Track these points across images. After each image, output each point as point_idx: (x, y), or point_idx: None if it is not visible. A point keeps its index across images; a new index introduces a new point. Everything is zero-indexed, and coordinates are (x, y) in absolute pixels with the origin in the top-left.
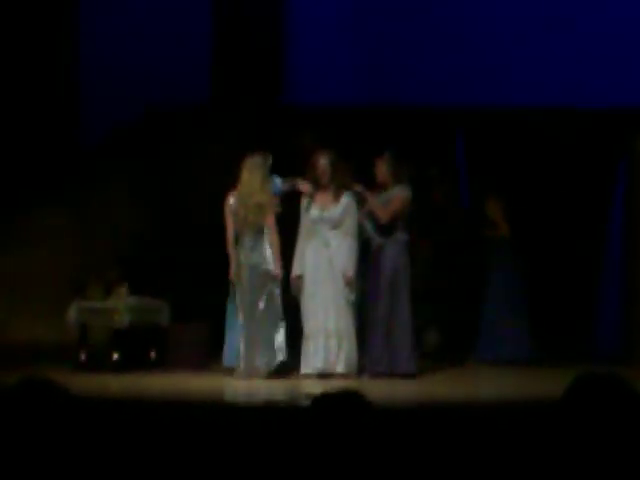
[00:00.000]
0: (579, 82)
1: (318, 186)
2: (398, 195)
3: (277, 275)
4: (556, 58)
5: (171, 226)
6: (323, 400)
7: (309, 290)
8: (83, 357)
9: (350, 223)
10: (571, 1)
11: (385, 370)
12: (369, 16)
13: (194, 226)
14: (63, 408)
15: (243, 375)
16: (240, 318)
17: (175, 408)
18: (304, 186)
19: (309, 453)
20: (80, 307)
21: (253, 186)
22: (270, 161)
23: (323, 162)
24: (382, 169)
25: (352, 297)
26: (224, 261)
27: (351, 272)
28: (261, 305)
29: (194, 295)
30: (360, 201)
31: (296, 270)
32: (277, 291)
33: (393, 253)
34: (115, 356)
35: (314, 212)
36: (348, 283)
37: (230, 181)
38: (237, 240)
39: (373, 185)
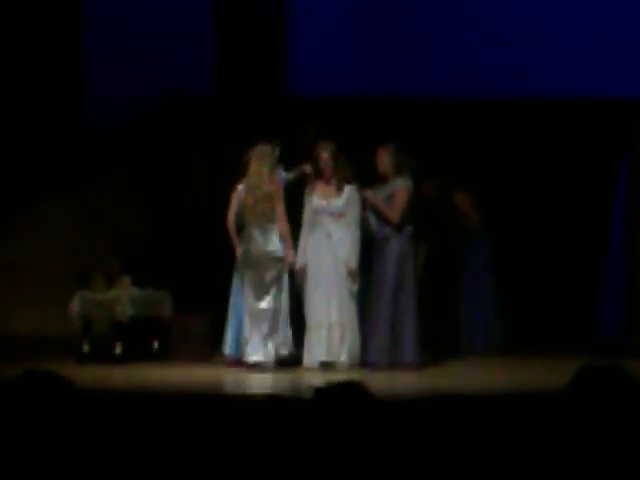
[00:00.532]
0: (581, 73)
1: (321, 178)
2: (400, 188)
3: (291, 259)
4: (557, 49)
5: (172, 222)
6: (326, 391)
7: (312, 281)
8: (86, 349)
9: (353, 214)
10: None
11: (390, 361)
12: (370, 7)
13: (195, 222)
14: (66, 400)
15: (251, 360)
16: (245, 301)
17: (178, 399)
18: (307, 167)
19: (312, 444)
20: (83, 299)
21: (261, 176)
22: (278, 150)
23: (325, 155)
24: (384, 160)
25: (355, 288)
26: (226, 254)
27: (354, 263)
28: (270, 290)
29: (196, 286)
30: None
31: (300, 261)
32: (285, 277)
33: (398, 244)
34: (118, 347)
35: (317, 203)
36: (351, 274)
37: (231, 180)
38: (244, 229)
39: (374, 176)
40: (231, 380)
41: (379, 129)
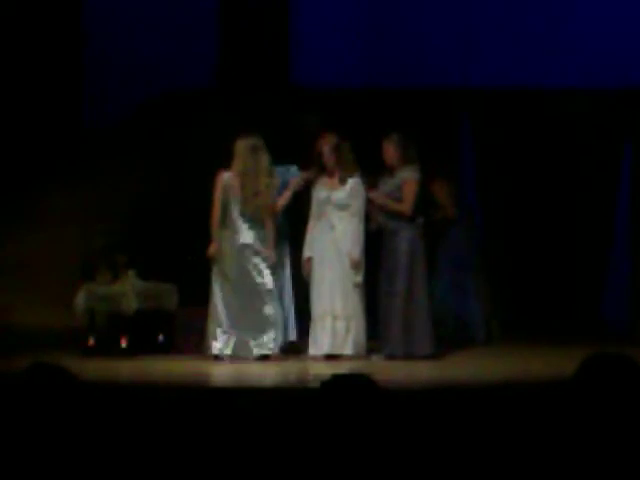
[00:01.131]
0: (584, 63)
1: (325, 170)
2: (409, 180)
3: (269, 256)
4: (560, 40)
5: (176, 215)
6: (332, 383)
7: (316, 273)
8: (91, 342)
9: (356, 205)
10: None
11: (405, 353)
12: None
13: (199, 215)
14: (72, 393)
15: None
16: (222, 296)
17: (183, 392)
18: (310, 174)
19: (318, 436)
20: (88, 292)
21: (259, 169)
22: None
23: (327, 148)
24: (390, 151)
25: (359, 279)
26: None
27: (357, 254)
28: (248, 281)
29: (201, 279)
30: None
31: (306, 253)
32: (264, 266)
33: (409, 236)
34: (123, 341)
35: (321, 194)
36: (354, 265)
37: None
38: (229, 219)
39: (379, 168)
40: (236, 372)
41: (383, 120)
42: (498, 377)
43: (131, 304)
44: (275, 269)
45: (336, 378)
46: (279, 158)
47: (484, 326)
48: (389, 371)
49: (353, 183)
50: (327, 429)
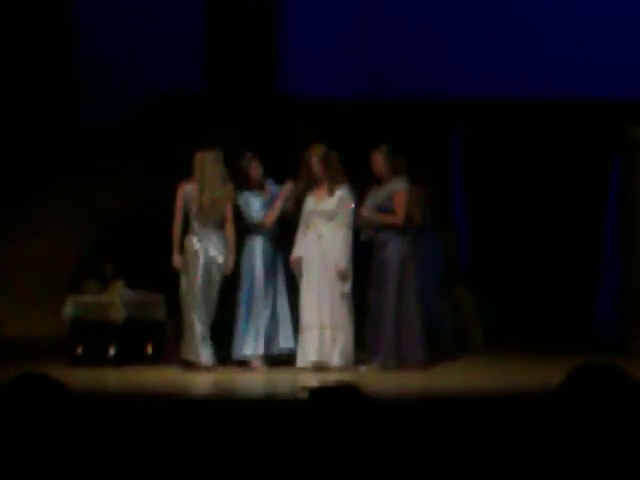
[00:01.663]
0: (573, 73)
1: (313, 181)
2: (399, 191)
3: (228, 269)
4: (550, 50)
5: (170, 218)
6: (321, 393)
7: (304, 282)
8: (79, 352)
9: (345, 216)
10: None
11: (397, 362)
12: (363, 9)
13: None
14: (60, 404)
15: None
16: (193, 305)
17: (171, 402)
18: (298, 185)
19: (306, 446)
20: (76, 302)
21: (216, 179)
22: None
23: (314, 158)
24: (379, 162)
25: (346, 289)
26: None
27: (343, 264)
28: (213, 292)
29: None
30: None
31: (295, 253)
32: (217, 282)
33: (399, 247)
34: (111, 351)
35: (309, 204)
36: (341, 275)
37: (228, 173)
38: (191, 229)
39: (368, 178)
40: (224, 383)
41: (371, 131)
42: (487, 388)
43: (119, 314)
44: (267, 278)
45: (324, 389)
46: (268, 169)
47: (457, 337)
48: (378, 381)
49: (341, 193)
50: (316, 440)
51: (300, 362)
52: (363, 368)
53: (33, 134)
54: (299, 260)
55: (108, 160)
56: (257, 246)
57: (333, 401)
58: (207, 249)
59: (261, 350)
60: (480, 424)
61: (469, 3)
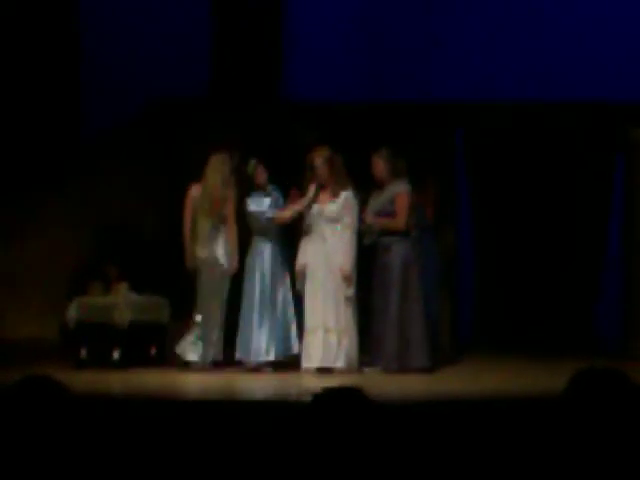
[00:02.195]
0: (574, 75)
1: (319, 183)
2: (400, 194)
3: (233, 269)
4: (552, 51)
5: (172, 221)
6: (324, 396)
7: (308, 286)
8: (83, 354)
9: (348, 219)
10: None
11: (400, 366)
12: (366, 13)
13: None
14: (64, 406)
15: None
16: (219, 306)
17: (175, 405)
18: (300, 202)
19: (310, 448)
20: (80, 304)
21: (216, 181)
22: (237, 159)
23: (318, 162)
24: (380, 165)
25: (350, 292)
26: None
27: (348, 267)
28: (213, 298)
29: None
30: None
31: (299, 260)
32: (223, 284)
33: (402, 251)
34: (115, 353)
35: (313, 207)
36: (345, 278)
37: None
38: (194, 232)
39: (370, 182)
40: (228, 385)
41: (373, 134)
42: (490, 391)
43: (123, 316)
44: (274, 282)
45: (328, 391)
46: (270, 172)
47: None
48: (381, 384)
49: (345, 196)
50: (319, 443)
51: (304, 365)
52: (367, 370)
53: (34, 135)
54: (304, 267)
55: (108, 160)
56: (265, 252)
57: (337, 404)
58: (207, 253)
59: (272, 357)
60: (484, 427)
61: (469, 4)
